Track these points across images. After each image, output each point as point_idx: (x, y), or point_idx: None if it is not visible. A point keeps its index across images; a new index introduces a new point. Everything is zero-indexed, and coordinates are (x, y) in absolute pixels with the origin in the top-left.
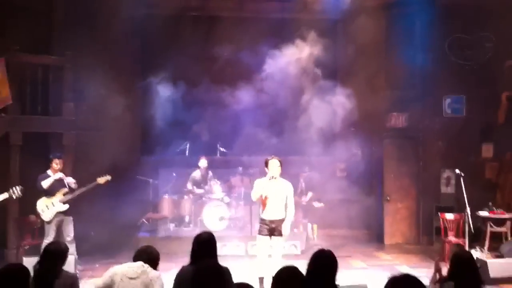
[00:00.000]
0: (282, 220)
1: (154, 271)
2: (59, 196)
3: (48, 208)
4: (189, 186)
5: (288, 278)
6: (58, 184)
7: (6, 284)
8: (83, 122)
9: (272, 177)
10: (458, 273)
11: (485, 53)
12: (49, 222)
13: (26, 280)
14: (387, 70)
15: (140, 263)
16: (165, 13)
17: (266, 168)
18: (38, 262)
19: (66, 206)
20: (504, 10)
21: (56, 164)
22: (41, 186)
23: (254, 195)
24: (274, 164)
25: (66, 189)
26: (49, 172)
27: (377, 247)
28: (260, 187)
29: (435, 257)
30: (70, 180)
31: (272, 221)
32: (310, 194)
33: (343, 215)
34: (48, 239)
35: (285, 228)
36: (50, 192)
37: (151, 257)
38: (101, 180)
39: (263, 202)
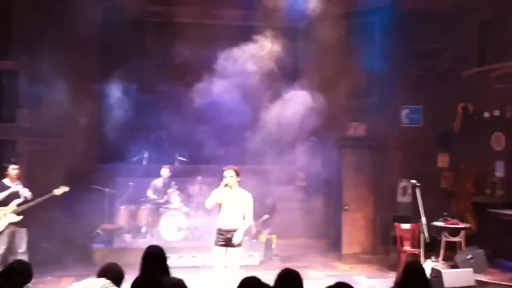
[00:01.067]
0: (238, 230)
1: None
2: (12, 206)
3: (0, 218)
4: (149, 193)
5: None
6: (12, 194)
7: None
8: (37, 129)
9: (226, 185)
10: (409, 282)
11: (443, 63)
12: (0, 233)
13: None
14: (347, 79)
15: (102, 279)
16: (127, 18)
17: (222, 178)
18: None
19: (19, 218)
20: (462, 20)
21: (13, 170)
22: None
23: (208, 203)
24: (228, 174)
25: (20, 200)
26: (5, 181)
27: (335, 256)
28: (216, 195)
29: (391, 267)
30: (25, 191)
31: (227, 231)
32: (265, 216)
33: (302, 225)
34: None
35: (236, 236)
36: (3, 203)
37: (116, 276)
38: (58, 191)
39: (219, 210)
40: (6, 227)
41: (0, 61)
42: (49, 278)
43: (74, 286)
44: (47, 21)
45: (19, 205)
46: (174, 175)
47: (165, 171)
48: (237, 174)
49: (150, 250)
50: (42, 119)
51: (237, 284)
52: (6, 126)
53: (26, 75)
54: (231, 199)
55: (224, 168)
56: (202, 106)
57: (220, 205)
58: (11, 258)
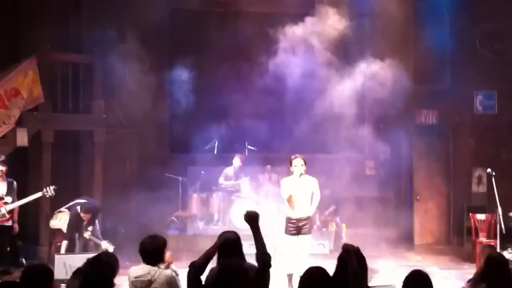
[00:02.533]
0: (309, 218)
1: (165, 271)
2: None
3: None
4: (221, 180)
5: (316, 280)
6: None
7: (28, 284)
8: (113, 120)
9: (301, 174)
10: (491, 275)
11: None
12: None
13: (47, 281)
14: (416, 64)
15: (148, 267)
16: (192, 8)
17: (290, 167)
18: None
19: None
20: None
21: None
22: None
23: (285, 194)
24: (298, 163)
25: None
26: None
27: (406, 247)
28: (289, 186)
29: (465, 258)
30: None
31: (299, 220)
32: (332, 207)
33: (372, 214)
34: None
35: (311, 210)
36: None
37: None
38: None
39: (290, 200)
40: None
41: (74, 54)
42: (127, 263)
43: (134, 270)
44: (117, 14)
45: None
46: (244, 164)
47: (237, 161)
48: (305, 162)
49: (228, 235)
50: (116, 110)
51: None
52: (84, 117)
53: (100, 67)
54: (300, 188)
55: (292, 157)
56: (271, 94)
57: (290, 195)
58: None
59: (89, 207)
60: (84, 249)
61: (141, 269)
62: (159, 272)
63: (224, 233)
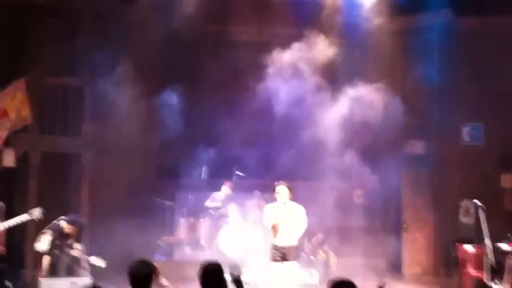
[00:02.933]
0: (295, 247)
1: None
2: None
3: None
4: (207, 203)
5: None
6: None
7: None
8: (101, 144)
9: (284, 202)
10: None
11: (505, 81)
12: None
13: None
14: (405, 95)
15: None
16: (185, 36)
17: (274, 194)
18: None
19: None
20: None
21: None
22: None
23: (268, 222)
24: (281, 190)
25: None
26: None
27: (395, 277)
28: (272, 213)
29: None
30: None
31: (284, 248)
32: (319, 235)
33: (360, 243)
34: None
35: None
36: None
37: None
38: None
39: (274, 228)
40: None
41: (65, 77)
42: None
43: None
44: (110, 39)
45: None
46: (232, 190)
47: (225, 188)
48: (290, 190)
49: (209, 267)
50: (104, 133)
51: None
52: (72, 140)
53: (89, 90)
54: (284, 215)
55: (275, 183)
56: (261, 121)
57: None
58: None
59: (74, 219)
60: (68, 271)
61: None
62: None
63: (204, 266)
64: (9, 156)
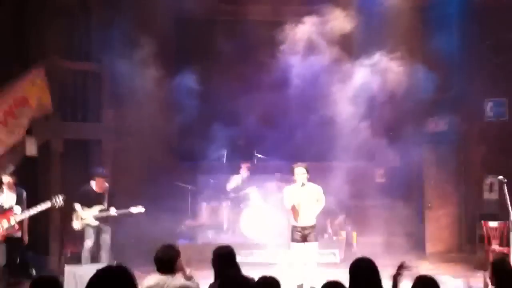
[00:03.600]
0: (314, 226)
1: (176, 281)
2: (94, 211)
3: (80, 219)
4: (229, 187)
5: None
6: (96, 199)
7: None
8: (121, 128)
9: (302, 184)
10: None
11: None
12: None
13: None
14: (425, 71)
15: (159, 277)
16: (199, 16)
17: (293, 176)
18: None
19: (97, 223)
20: None
21: (98, 181)
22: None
23: (288, 204)
24: (299, 172)
25: (103, 207)
26: (92, 184)
27: (418, 255)
28: (291, 195)
29: (478, 266)
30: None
31: (304, 228)
32: (341, 217)
33: (383, 222)
34: (87, 244)
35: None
36: (87, 204)
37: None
38: (134, 210)
39: (293, 210)
40: (85, 226)
41: (82, 63)
42: (138, 273)
43: (148, 279)
44: (124, 22)
45: (100, 211)
46: (253, 173)
47: (243, 171)
48: (307, 171)
49: (221, 251)
50: (124, 118)
51: (316, 281)
52: (92, 126)
53: (108, 76)
54: (303, 197)
55: (294, 165)
56: (280, 101)
57: (293, 203)
58: (101, 254)
59: (100, 171)
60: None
61: (152, 279)
62: (170, 282)
63: (216, 249)
64: (31, 145)
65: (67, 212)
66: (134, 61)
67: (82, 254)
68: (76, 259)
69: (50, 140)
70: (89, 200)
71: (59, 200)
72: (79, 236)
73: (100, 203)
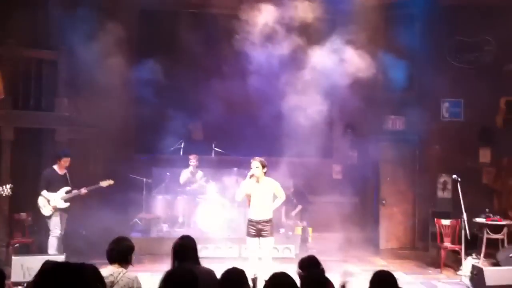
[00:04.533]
0: (269, 221)
1: (128, 274)
2: (61, 193)
3: (49, 203)
4: (181, 179)
5: (281, 285)
6: (62, 181)
7: None
8: (76, 119)
9: (252, 176)
10: None
11: (485, 57)
12: (49, 217)
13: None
14: (385, 71)
15: (111, 268)
16: (162, 8)
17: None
18: None
19: (67, 204)
20: (505, 13)
21: (65, 162)
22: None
23: (238, 195)
24: (253, 165)
25: (68, 188)
26: (55, 167)
27: (372, 251)
28: (246, 187)
29: (430, 263)
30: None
31: (258, 222)
32: (299, 207)
33: (338, 218)
34: (54, 233)
35: (273, 205)
36: (53, 188)
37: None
38: (104, 183)
39: (248, 202)
40: (54, 212)
41: (39, 50)
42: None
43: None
44: (86, 11)
45: (67, 192)
46: (210, 166)
47: (192, 162)
48: (263, 165)
49: (182, 241)
50: (80, 109)
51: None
52: (45, 115)
53: (65, 64)
54: (259, 190)
55: (251, 160)
56: (238, 96)
57: (249, 197)
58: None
59: (69, 152)
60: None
61: (105, 271)
62: (122, 274)
63: (178, 239)
64: None
65: (16, 202)
66: (93, 51)
67: (50, 242)
68: (25, 250)
69: (1, 128)
70: (55, 183)
71: (6, 189)
72: (29, 226)
73: (67, 184)
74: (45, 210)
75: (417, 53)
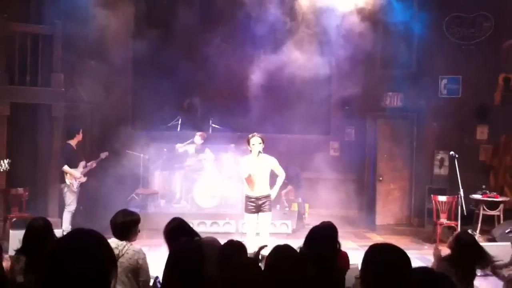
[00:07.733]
0: (267, 196)
1: (133, 247)
2: (80, 168)
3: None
4: (180, 149)
5: (284, 257)
6: (77, 156)
7: None
8: (73, 94)
9: (259, 153)
10: (462, 257)
11: (483, 33)
12: (66, 193)
13: None
14: (383, 48)
15: (116, 241)
16: None
17: (248, 146)
18: None
19: (85, 178)
20: None
21: (80, 136)
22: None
23: (245, 174)
24: (256, 141)
25: (84, 162)
26: (71, 142)
27: (368, 227)
28: (248, 165)
29: (426, 239)
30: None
31: (258, 198)
32: (289, 187)
33: (335, 195)
34: (69, 208)
35: (273, 192)
36: (73, 164)
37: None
38: (103, 155)
39: (249, 180)
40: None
41: (34, 25)
42: None
43: None
44: None
45: (84, 167)
46: (208, 142)
47: (198, 139)
48: (263, 141)
49: (171, 224)
50: (76, 84)
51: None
52: (41, 91)
53: (60, 39)
54: (258, 167)
55: (249, 135)
56: (237, 73)
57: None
58: None
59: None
60: None
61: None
62: (127, 248)
63: (166, 226)
64: None
65: (13, 177)
66: (89, 26)
67: (64, 217)
68: (22, 224)
69: None
70: (73, 158)
71: (4, 164)
72: (26, 201)
73: (82, 159)
74: (74, 185)
75: (415, 30)
